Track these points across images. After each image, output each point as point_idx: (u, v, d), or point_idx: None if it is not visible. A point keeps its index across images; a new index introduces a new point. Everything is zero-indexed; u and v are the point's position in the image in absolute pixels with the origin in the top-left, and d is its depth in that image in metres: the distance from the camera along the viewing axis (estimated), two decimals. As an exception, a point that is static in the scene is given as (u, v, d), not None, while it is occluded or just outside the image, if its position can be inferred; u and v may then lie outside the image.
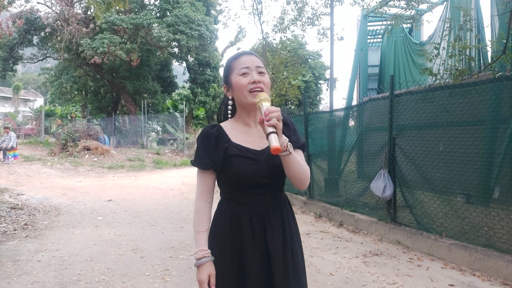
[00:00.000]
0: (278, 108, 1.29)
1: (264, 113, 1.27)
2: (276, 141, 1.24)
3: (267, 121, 1.25)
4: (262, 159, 1.43)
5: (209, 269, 1.40)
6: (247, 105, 1.45)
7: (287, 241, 1.47)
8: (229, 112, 1.54)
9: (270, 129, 1.25)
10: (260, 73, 1.45)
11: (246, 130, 1.49)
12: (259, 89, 1.41)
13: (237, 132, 1.48)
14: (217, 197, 1.51)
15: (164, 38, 18.53)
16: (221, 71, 27.28)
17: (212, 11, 25.12)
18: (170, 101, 28.45)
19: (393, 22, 9.52)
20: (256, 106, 1.38)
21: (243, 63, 1.45)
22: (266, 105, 1.31)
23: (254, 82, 1.41)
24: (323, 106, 30.20)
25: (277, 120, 1.25)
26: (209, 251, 1.43)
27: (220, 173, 1.46)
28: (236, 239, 1.44)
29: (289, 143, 1.34)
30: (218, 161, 1.43)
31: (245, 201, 1.45)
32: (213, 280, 1.40)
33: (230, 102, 1.51)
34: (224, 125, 1.51)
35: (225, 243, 1.45)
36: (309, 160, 7.14)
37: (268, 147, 1.36)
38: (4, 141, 13.62)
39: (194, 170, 1.55)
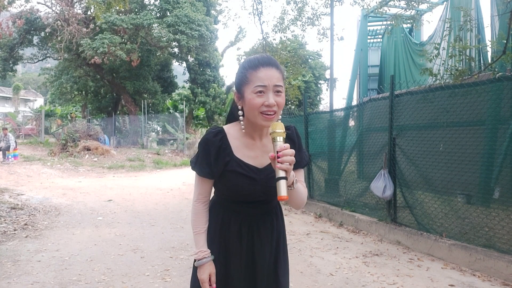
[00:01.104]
0: (293, 151, 1.22)
1: (277, 154, 1.21)
2: (284, 190, 1.18)
3: (280, 163, 1.19)
4: (260, 179, 1.41)
5: (210, 269, 1.44)
6: (255, 124, 1.39)
7: (272, 251, 1.51)
8: (241, 123, 1.44)
9: (281, 174, 1.19)
10: (277, 92, 1.34)
11: (250, 143, 1.44)
12: (271, 112, 1.32)
13: (240, 143, 1.44)
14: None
15: (164, 38, 18.53)
16: (221, 71, 27.27)
17: (212, 11, 25.12)
18: (170, 101, 28.46)
19: (393, 22, 9.52)
20: (263, 128, 1.39)
21: (261, 79, 1.32)
22: (280, 141, 1.24)
23: (268, 106, 1.31)
24: (323, 106, 30.21)
25: (290, 164, 1.20)
26: (209, 251, 1.46)
27: (218, 181, 1.46)
28: (224, 242, 1.47)
29: (295, 179, 1.32)
30: (216, 172, 1.42)
31: (237, 210, 1.47)
32: (213, 279, 1.44)
33: (240, 112, 1.42)
34: (229, 130, 1.45)
35: (214, 243, 1.48)
36: (309, 161, 7.13)
37: (268, 166, 1.40)
38: (1, 140, 13.61)
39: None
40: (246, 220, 1.46)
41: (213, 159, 1.41)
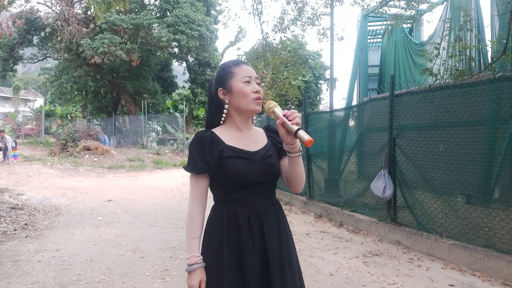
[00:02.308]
0: (295, 111, 1.40)
1: (286, 115, 1.38)
2: (306, 135, 1.34)
3: (291, 120, 1.36)
4: (256, 159, 1.48)
5: (201, 275, 1.42)
6: (246, 111, 1.51)
7: (283, 241, 1.50)
8: (223, 117, 1.53)
9: (296, 127, 1.36)
10: (258, 84, 1.53)
11: (238, 134, 1.53)
12: (260, 99, 1.49)
13: (229, 135, 1.51)
14: (210, 204, 1.52)
15: (164, 38, 18.53)
16: (221, 72, 27.17)
17: (212, 11, 25.13)
18: (170, 101, 28.46)
19: (393, 22, 9.52)
20: (250, 116, 1.55)
21: (246, 71, 1.51)
22: (279, 109, 1.41)
23: (257, 92, 1.49)
24: (323, 106, 30.24)
25: (299, 119, 1.37)
26: (201, 257, 1.44)
27: (216, 175, 1.46)
28: (234, 240, 1.45)
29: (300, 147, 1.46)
30: (213, 163, 1.44)
31: (242, 201, 1.47)
32: (203, 286, 1.42)
33: (226, 106, 1.52)
34: (216, 130, 1.53)
35: (223, 246, 1.45)
36: (309, 160, 7.14)
37: (261, 149, 1.51)
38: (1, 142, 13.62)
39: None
40: (253, 211, 1.47)
41: (207, 152, 1.45)
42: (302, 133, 1.33)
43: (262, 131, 1.63)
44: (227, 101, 1.51)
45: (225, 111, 1.52)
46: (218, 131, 1.52)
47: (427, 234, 4.40)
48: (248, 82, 1.49)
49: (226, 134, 1.51)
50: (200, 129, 1.72)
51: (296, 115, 1.37)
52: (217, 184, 1.49)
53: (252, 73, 1.52)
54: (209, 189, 1.53)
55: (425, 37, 11.40)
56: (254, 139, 1.55)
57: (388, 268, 3.88)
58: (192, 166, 1.46)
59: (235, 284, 1.43)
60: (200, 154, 1.45)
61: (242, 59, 1.69)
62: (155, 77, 23.88)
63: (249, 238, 1.44)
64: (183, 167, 1.56)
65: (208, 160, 1.44)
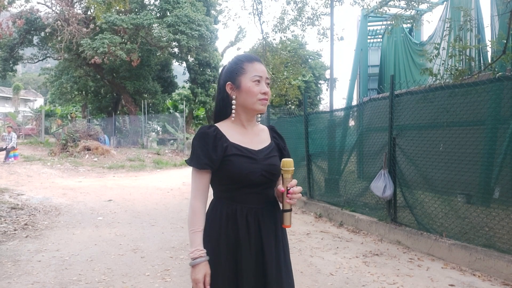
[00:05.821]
0: (300, 188, 1.44)
1: (288, 191, 1.42)
2: (289, 220, 1.45)
3: (290, 199, 1.42)
4: (260, 158, 1.50)
5: (205, 269, 1.43)
6: (251, 110, 1.52)
7: (279, 239, 1.53)
8: (233, 112, 1.53)
9: (287, 207, 1.43)
10: (267, 84, 1.54)
11: (242, 131, 1.54)
12: (266, 100, 1.51)
13: (233, 132, 1.52)
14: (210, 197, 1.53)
15: (164, 38, 18.52)
16: (221, 71, 27.14)
17: (212, 11, 25.13)
18: (170, 101, 28.47)
19: (393, 22, 9.52)
20: (255, 114, 1.55)
21: (258, 70, 1.51)
22: (289, 177, 1.43)
23: (264, 93, 1.50)
24: (323, 106, 30.26)
25: (295, 201, 1.43)
26: (205, 251, 1.45)
27: (218, 172, 1.47)
28: (231, 237, 1.47)
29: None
30: (216, 160, 1.45)
31: (241, 199, 1.48)
32: (208, 280, 1.43)
33: (233, 102, 1.52)
34: (220, 125, 1.53)
35: (220, 241, 1.47)
36: (309, 160, 7.15)
37: (264, 148, 1.53)
38: (6, 139, 13.67)
39: (194, 170, 1.55)
40: (252, 210, 1.48)
41: (211, 148, 1.46)
42: (287, 217, 1.44)
43: (266, 129, 1.64)
44: (234, 96, 1.52)
45: (233, 106, 1.52)
46: (222, 126, 1.52)
47: (427, 234, 4.41)
48: (258, 81, 1.49)
49: (230, 131, 1.51)
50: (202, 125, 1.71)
51: (295, 197, 1.42)
52: (218, 181, 1.50)
53: (264, 72, 1.51)
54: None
55: (425, 37, 11.40)
56: (258, 137, 1.57)
57: (388, 268, 3.89)
58: (195, 161, 1.46)
59: (230, 281, 1.45)
60: (204, 149, 1.46)
61: (254, 55, 1.71)
62: (155, 77, 23.88)
63: (246, 237, 1.46)
64: (185, 160, 1.57)
65: (212, 156, 1.45)
